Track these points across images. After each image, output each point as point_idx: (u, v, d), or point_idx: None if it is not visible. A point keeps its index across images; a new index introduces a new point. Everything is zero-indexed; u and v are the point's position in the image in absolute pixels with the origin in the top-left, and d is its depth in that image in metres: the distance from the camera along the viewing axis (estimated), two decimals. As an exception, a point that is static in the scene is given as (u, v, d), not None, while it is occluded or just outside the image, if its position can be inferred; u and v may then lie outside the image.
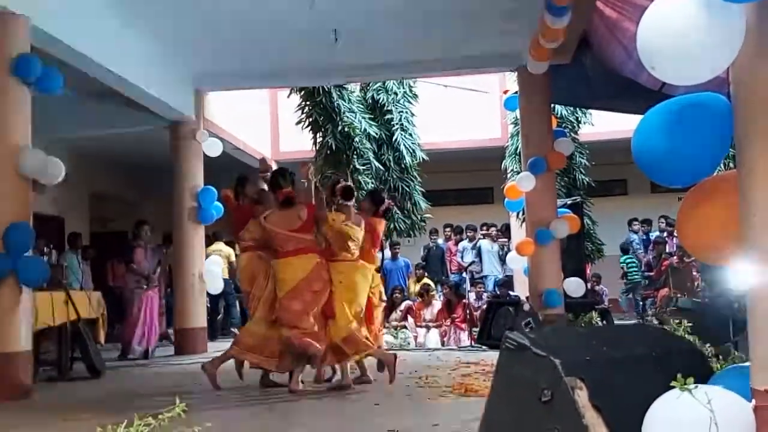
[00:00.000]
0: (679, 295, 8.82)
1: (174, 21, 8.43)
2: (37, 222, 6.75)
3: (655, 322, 8.90)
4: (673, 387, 2.45)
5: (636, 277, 13.83)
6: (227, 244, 11.84)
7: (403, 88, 13.00)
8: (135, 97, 9.54)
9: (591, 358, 2.77)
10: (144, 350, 9.68)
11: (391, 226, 12.12)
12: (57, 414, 5.45)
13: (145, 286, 9.72)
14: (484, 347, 9.49)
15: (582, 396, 2.62)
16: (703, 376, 2.72)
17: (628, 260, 13.82)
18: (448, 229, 14.25)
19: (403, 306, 11.73)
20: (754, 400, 2.52)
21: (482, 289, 12.45)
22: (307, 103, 12.06)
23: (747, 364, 2.71)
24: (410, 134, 12.92)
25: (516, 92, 10.43)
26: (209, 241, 11.25)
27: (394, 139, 12.65)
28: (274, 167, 14.93)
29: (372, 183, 11.97)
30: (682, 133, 2.76)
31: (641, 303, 13.31)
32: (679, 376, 2.45)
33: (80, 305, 7.83)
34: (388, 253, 12.86)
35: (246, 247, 6.75)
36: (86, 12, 7.64)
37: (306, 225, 6.26)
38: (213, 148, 10.64)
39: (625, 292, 13.95)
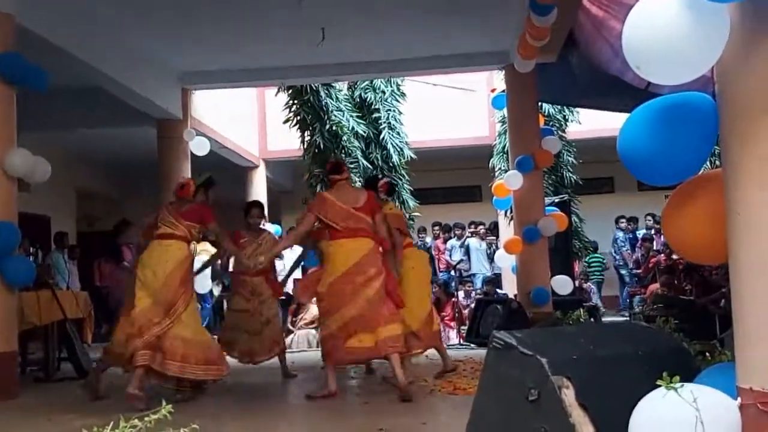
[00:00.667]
0: (666, 292, 8.87)
1: (160, 18, 8.39)
2: (22, 221, 6.70)
3: (643, 319, 8.94)
4: (659, 385, 2.46)
5: (598, 275, 14.00)
6: (212, 243, 11.78)
7: (391, 86, 12.99)
8: (121, 96, 9.50)
9: (578, 357, 2.77)
10: None
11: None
12: (43, 414, 5.42)
13: None
14: (472, 345, 9.50)
15: (569, 395, 2.62)
16: (690, 374, 2.73)
17: (593, 259, 13.95)
18: (436, 228, 14.28)
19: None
20: (739, 399, 2.53)
21: (471, 288, 12.48)
22: (295, 101, 12.03)
23: (733, 362, 2.72)
24: (398, 133, 12.91)
25: (503, 91, 10.45)
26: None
27: (381, 138, 12.63)
28: (262, 168, 15.01)
29: (360, 182, 11.95)
30: (668, 132, 2.76)
31: (628, 300, 13.39)
32: (665, 374, 2.46)
33: (67, 305, 7.79)
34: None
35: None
36: (71, 9, 7.59)
37: (365, 207, 5.89)
38: (200, 147, 10.61)
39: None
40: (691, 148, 2.79)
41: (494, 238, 13.86)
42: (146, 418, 2.36)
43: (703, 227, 2.83)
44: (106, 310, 10.43)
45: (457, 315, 11.10)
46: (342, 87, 12.60)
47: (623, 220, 14.38)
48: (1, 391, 6.19)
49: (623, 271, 14.26)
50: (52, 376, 7.61)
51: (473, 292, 12.36)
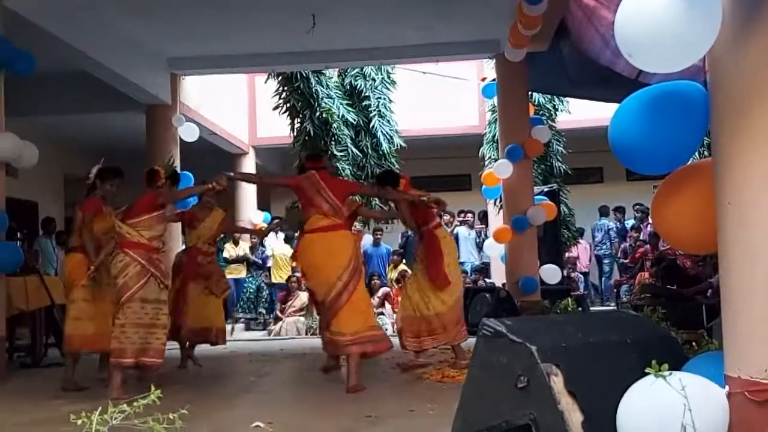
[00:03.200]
0: (654, 282, 8.90)
1: (150, 3, 8.32)
2: (10, 207, 6.67)
3: (630, 308, 8.99)
4: (648, 373, 2.47)
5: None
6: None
7: (381, 74, 12.95)
8: (110, 81, 9.44)
9: (567, 345, 2.78)
10: None
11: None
12: (30, 400, 5.41)
13: None
14: (460, 334, 9.51)
15: (557, 382, 2.63)
16: (678, 362, 2.75)
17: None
18: (426, 216, 14.27)
19: (380, 293, 11.74)
20: (727, 387, 2.55)
21: (464, 276, 12.49)
22: (285, 88, 11.97)
23: (720, 351, 2.74)
24: (388, 121, 12.89)
25: (494, 79, 10.44)
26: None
27: (371, 126, 12.61)
28: (251, 155, 14.95)
29: (350, 169, 11.95)
30: (658, 122, 2.77)
31: (615, 290, 13.45)
32: (653, 362, 2.47)
33: (54, 291, 7.75)
34: (370, 238, 12.88)
35: None
36: (60, -6, 7.53)
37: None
38: (189, 133, 10.55)
39: None
40: (681, 137, 2.79)
41: (483, 226, 13.87)
42: (134, 403, 2.35)
43: (693, 217, 2.84)
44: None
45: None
46: (332, 74, 12.56)
47: (618, 211, 14.39)
48: (-11, 376, 6.17)
49: (606, 261, 14.32)
50: (40, 362, 7.58)
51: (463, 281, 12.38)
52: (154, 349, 5.54)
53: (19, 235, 7.87)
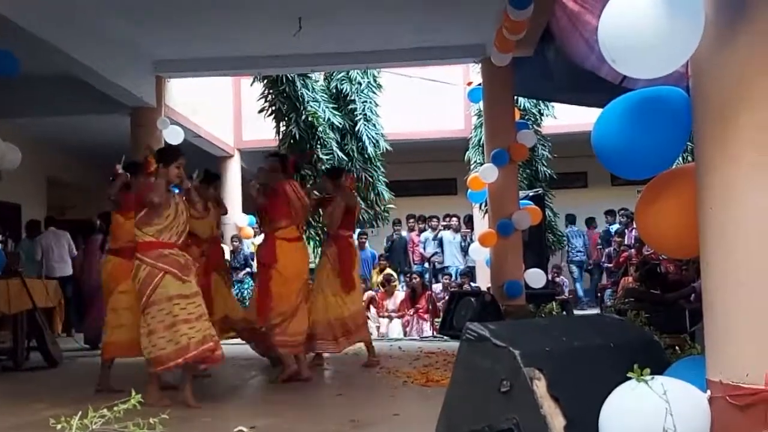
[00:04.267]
0: (638, 286, 8.93)
1: (136, 5, 8.27)
2: (-8, 209, 6.61)
3: (614, 313, 9.02)
4: (630, 378, 2.48)
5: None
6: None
7: (368, 78, 12.95)
8: (94, 83, 9.37)
9: (550, 349, 2.79)
10: None
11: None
12: (11, 404, 5.35)
13: None
14: (445, 338, 9.53)
15: (540, 386, 2.64)
16: (660, 367, 2.76)
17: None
18: (411, 220, 14.29)
19: (365, 296, 11.73)
20: (709, 391, 2.56)
21: (450, 280, 12.52)
22: (271, 91, 11.96)
23: (702, 355, 2.75)
24: (374, 124, 12.90)
25: (480, 84, 10.46)
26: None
27: (357, 129, 12.61)
28: (237, 158, 14.89)
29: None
30: (642, 126, 2.78)
31: (599, 294, 13.50)
32: (635, 366, 2.48)
33: (37, 294, 7.70)
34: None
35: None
36: (44, -5, 7.47)
37: None
38: (174, 136, 10.48)
39: None
40: (664, 142, 2.81)
41: (469, 230, 13.90)
42: (115, 408, 2.33)
43: (676, 222, 2.85)
44: (79, 299, 10.35)
45: (431, 307, 11.12)
46: (318, 78, 12.55)
47: (609, 215, 14.44)
48: (-31, 380, 6.11)
49: (586, 266, 14.43)
50: (21, 365, 7.51)
51: (449, 285, 12.41)
52: (194, 343, 5.08)
53: (1, 237, 7.80)
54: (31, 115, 11.16)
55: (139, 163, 6.00)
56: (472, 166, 12.84)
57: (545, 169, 13.37)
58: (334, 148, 12.16)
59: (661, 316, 7.28)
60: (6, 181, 11.23)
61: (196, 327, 5.13)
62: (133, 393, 2.35)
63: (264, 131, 12.86)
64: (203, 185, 6.72)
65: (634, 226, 13.31)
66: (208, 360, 5.26)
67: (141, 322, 5.21)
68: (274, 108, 11.99)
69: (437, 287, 12.12)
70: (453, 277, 12.95)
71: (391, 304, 11.52)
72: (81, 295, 10.50)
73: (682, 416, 2.36)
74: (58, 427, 2.29)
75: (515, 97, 10.59)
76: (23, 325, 7.59)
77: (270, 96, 11.98)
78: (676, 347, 4.24)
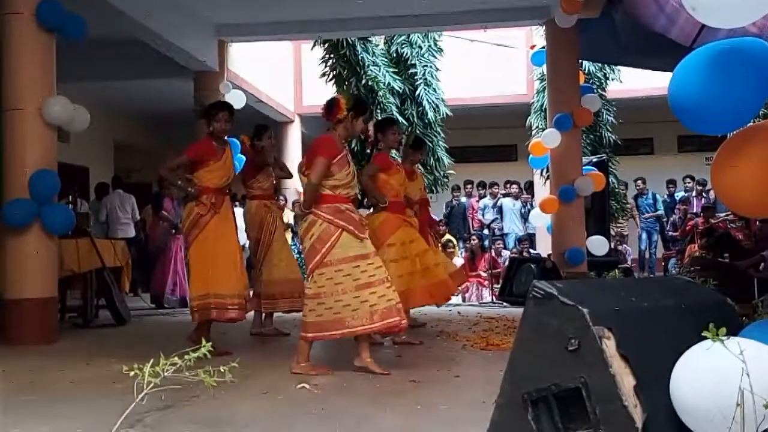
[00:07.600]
0: (705, 254, 8.73)
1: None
2: (62, 171, 6.77)
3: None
4: (705, 337, 2.41)
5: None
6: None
7: (428, 41, 12.83)
8: (159, 48, 9.50)
9: (619, 308, 2.72)
10: (180, 299, 9.70)
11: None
12: (82, 358, 5.52)
13: (173, 231, 9.77)
14: (505, 304, 9.49)
15: (610, 345, 2.58)
16: (733, 329, 2.68)
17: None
18: (469, 186, 14.20)
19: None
20: (785, 353, 2.48)
21: (501, 246, 12.46)
22: (331, 56, 11.94)
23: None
24: (434, 89, 12.79)
25: (543, 47, 10.27)
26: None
27: (417, 94, 12.53)
28: (297, 123, 14.91)
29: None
30: (722, 79, 2.67)
31: (663, 263, 13.26)
32: (711, 326, 2.41)
33: (105, 253, 7.90)
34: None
35: (254, 196, 6.88)
36: (110, -42, 7.57)
37: None
38: (236, 100, 10.57)
39: None
40: (745, 95, 2.69)
41: (529, 197, 13.75)
42: (186, 356, 2.38)
43: (756, 180, 2.74)
44: (145, 259, 10.61)
45: (490, 270, 11.07)
46: (378, 41, 12.48)
47: (671, 184, 14.03)
48: (41, 335, 6.33)
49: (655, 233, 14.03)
50: (91, 323, 7.75)
51: (503, 251, 12.35)
52: (383, 310, 4.70)
53: (70, 198, 8.00)
54: (97, 79, 11.39)
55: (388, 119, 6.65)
56: (533, 132, 12.66)
57: (609, 134, 13.10)
58: (395, 113, 12.10)
59: (729, 284, 7.08)
60: (75, 144, 11.56)
61: (380, 292, 4.71)
62: (204, 343, 2.39)
63: (324, 96, 12.83)
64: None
65: (699, 194, 13.00)
66: (393, 331, 5.01)
67: (309, 283, 4.79)
68: (334, 72, 11.98)
69: (505, 253, 12.09)
70: (512, 244, 12.86)
71: (450, 269, 11.50)
72: (146, 256, 10.74)
73: (758, 377, 2.29)
74: (131, 374, 2.34)
75: (580, 61, 10.36)
76: (92, 283, 7.81)
77: (330, 60, 11.97)
78: (744, 317, 4.11)
